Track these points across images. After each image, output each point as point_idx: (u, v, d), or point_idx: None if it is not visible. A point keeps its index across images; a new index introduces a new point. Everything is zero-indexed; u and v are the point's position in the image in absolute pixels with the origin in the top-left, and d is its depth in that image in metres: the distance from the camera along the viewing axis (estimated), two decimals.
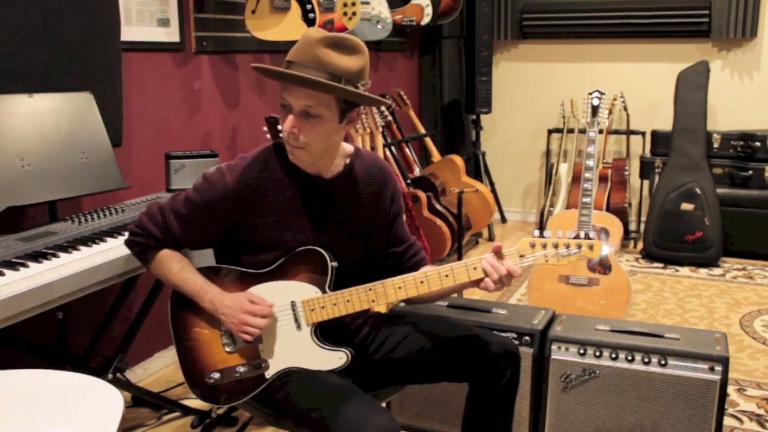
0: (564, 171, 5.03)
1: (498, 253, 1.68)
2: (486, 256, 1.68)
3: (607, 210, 4.56)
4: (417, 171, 4.78)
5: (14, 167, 2.12)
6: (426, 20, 4.57)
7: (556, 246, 1.66)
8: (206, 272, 1.80)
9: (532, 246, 1.68)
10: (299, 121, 1.65)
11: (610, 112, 4.86)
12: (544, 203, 5.17)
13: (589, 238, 1.65)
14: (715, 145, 4.61)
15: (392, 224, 1.92)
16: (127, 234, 1.85)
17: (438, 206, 4.39)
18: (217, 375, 1.77)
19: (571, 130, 5.23)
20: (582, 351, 2.23)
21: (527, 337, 2.27)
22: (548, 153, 5.42)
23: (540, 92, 5.39)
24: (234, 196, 1.72)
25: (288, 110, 1.66)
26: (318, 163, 1.76)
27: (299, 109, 1.64)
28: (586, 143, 3.49)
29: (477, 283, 1.70)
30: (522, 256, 1.68)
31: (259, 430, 2.58)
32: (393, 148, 4.57)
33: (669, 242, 4.44)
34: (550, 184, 5.20)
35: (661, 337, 2.22)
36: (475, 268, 1.68)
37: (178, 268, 1.78)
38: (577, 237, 1.66)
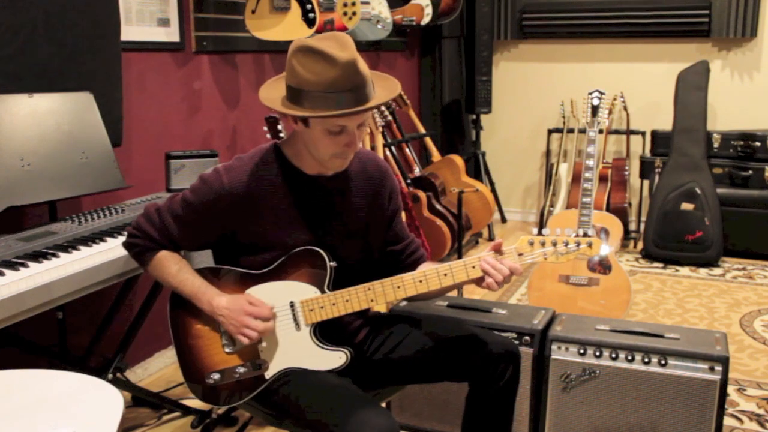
0: (564, 171, 5.03)
1: (498, 251, 1.68)
2: (485, 257, 1.68)
3: (607, 210, 4.55)
4: (417, 171, 4.78)
5: (14, 167, 2.12)
6: (426, 20, 4.57)
7: (554, 244, 1.67)
8: (205, 273, 1.79)
9: (531, 244, 1.68)
10: (356, 134, 1.68)
11: (610, 112, 4.86)
12: (544, 203, 5.17)
13: (588, 236, 1.66)
14: (715, 145, 4.61)
15: (391, 222, 1.92)
16: (125, 235, 1.86)
17: (438, 206, 4.39)
18: (216, 376, 1.77)
19: (571, 130, 5.23)
20: (582, 351, 2.23)
21: (527, 337, 2.27)
22: (548, 153, 5.42)
23: (540, 92, 5.39)
24: (231, 197, 1.71)
25: (341, 131, 1.65)
26: (323, 164, 1.76)
27: (356, 125, 1.66)
28: (586, 143, 3.49)
29: (479, 281, 1.70)
30: (521, 254, 1.68)
31: (259, 430, 2.58)
32: (393, 148, 4.57)
33: (669, 242, 4.44)
34: (550, 184, 5.20)
35: (661, 337, 2.22)
36: (473, 267, 1.68)
37: (176, 270, 1.78)
38: (575, 235, 1.66)
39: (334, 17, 3.51)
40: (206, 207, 1.73)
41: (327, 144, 1.67)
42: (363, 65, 1.62)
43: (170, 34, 3.10)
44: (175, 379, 2.89)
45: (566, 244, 1.66)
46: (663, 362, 2.15)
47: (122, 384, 2.50)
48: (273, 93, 1.71)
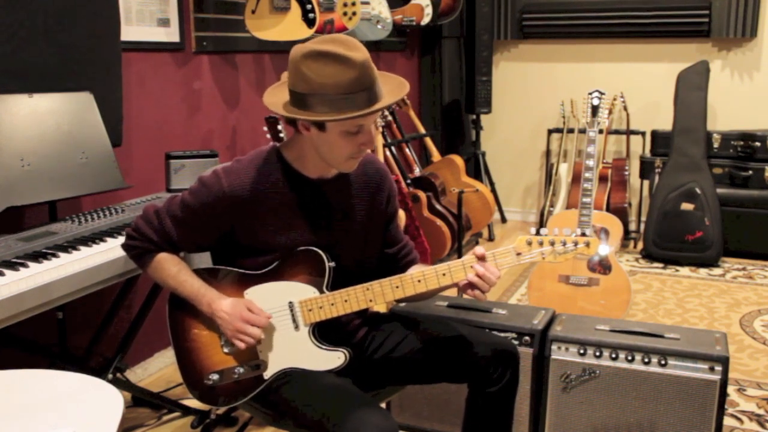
0: (564, 171, 5.03)
1: (481, 259, 1.68)
2: (476, 266, 1.67)
3: (607, 210, 4.55)
4: (417, 171, 4.78)
5: (14, 167, 2.13)
6: (426, 20, 4.57)
7: (552, 243, 1.67)
8: (204, 274, 1.79)
9: (529, 244, 1.68)
10: (372, 133, 1.69)
11: (610, 112, 4.85)
12: (544, 203, 5.17)
13: (585, 236, 1.66)
14: (715, 145, 4.61)
15: (388, 224, 1.92)
16: (124, 237, 1.85)
17: (438, 206, 4.39)
18: (215, 376, 1.76)
19: (571, 130, 5.23)
20: (582, 351, 2.23)
21: (527, 337, 2.27)
22: (548, 153, 5.42)
23: (540, 92, 5.39)
24: (230, 199, 1.71)
25: (358, 131, 1.66)
26: (325, 167, 1.76)
27: (371, 123, 1.67)
28: (586, 143, 3.49)
29: (465, 287, 1.70)
30: (519, 254, 1.68)
31: (259, 430, 2.58)
32: (393, 148, 4.57)
33: (669, 242, 4.44)
34: (550, 184, 5.20)
35: (661, 337, 2.22)
36: (471, 267, 1.68)
37: (175, 272, 1.77)
38: (573, 235, 1.66)
39: (334, 17, 3.51)
40: (205, 209, 1.73)
41: (344, 145, 1.67)
42: (373, 64, 1.63)
43: (170, 34, 3.10)
44: (175, 379, 2.88)
45: (564, 243, 1.66)
46: (663, 362, 2.15)
47: (122, 384, 2.51)
48: (278, 100, 1.71)
